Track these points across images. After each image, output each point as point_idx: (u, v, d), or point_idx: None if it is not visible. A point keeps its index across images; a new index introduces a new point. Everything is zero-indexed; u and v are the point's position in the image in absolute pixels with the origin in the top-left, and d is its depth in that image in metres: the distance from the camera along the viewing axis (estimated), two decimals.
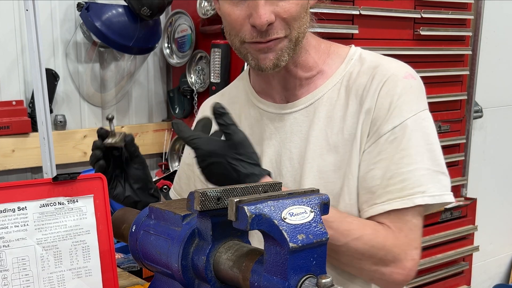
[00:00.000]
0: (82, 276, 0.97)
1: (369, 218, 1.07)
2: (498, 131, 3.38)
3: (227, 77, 2.21)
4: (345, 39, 2.17)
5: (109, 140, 1.11)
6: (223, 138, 0.97)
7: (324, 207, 0.72)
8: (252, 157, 0.97)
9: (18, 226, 0.94)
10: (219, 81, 2.21)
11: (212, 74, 2.25)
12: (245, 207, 0.66)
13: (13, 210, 0.94)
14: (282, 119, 1.18)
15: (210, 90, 2.24)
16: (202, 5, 2.33)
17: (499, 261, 3.62)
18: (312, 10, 1.13)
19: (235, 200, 0.67)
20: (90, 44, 2.38)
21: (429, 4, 2.50)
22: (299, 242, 0.66)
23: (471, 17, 2.71)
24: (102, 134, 1.11)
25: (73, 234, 0.97)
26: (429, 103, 1.14)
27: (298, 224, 0.68)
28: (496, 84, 3.27)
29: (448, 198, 1.07)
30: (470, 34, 2.73)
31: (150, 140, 2.58)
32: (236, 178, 0.95)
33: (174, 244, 0.81)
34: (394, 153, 1.06)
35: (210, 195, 0.74)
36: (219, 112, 0.95)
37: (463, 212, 2.88)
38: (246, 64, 2.00)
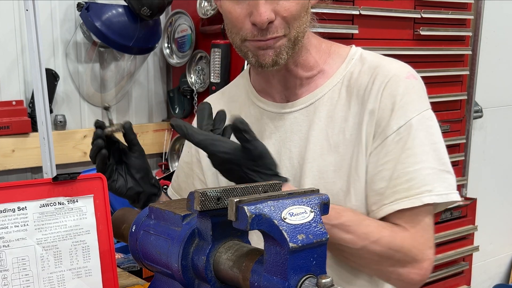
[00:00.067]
0: (82, 276, 0.97)
1: (382, 219, 1.08)
2: (498, 131, 3.38)
3: (227, 77, 2.21)
4: (345, 39, 2.17)
5: (109, 128, 1.12)
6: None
7: (324, 207, 0.72)
8: (270, 168, 0.96)
9: (18, 226, 0.94)
10: (219, 81, 2.21)
11: (212, 74, 2.25)
12: (245, 207, 0.66)
13: (13, 210, 0.94)
14: (282, 118, 1.18)
15: (210, 90, 2.24)
16: (202, 5, 2.32)
17: (499, 261, 3.62)
18: (312, 10, 1.13)
19: (235, 200, 0.67)
20: (90, 44, 2.38)
21: (429, 4, 2.50)
22: (299, 242, 0.66)
23: (471, 17, 2.70)
24: (101, 125, 1.12)
25: (73, 234, 0.97)
26: (429, 103, 1.14)
27: (298, 224, 0.68)
28: (496, 84, 3.27)
29: (455, 197, 1.07)
30: (470, 34, 2.73)
31: (150, 140, 2.58)
32: None
33: (174, 244, 0.81)
34: (400, 153, 1.06)
35: (210, 195, 0.74)
36: (240, 128, 0.92)
37: (463, 212, 2.88)
38: (246, 63, 2.01)
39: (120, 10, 2.27)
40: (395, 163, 1.06)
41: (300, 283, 0.67)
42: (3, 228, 0.93)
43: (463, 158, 2.85)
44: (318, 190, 0.75)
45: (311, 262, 0.68)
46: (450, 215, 2.81)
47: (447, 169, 1.09)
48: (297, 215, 0.68)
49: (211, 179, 1.26)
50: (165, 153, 2.58)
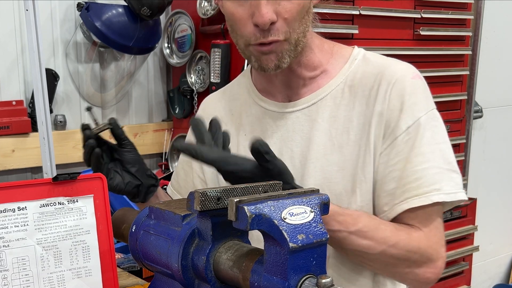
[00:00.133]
0: (82, 276, 0.97)
1: (394, 219, 1.08)
2: (498, 131, 3.38)
3: (227, 77, 2.21)
4: (345, 39, 2.17)
5: (96, 127, 1.17)
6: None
7: (324, 207, 0.72)
8: (288, 182, 0.93)
9: (18, 226, 0.94)
10: (219, 81, 2.21)
11: (212, 74, 2.25)
12: (245, 207, 0.66)
13: (13, 210, 0.94)
14: (284, 118, 1.18)
15: (210, 90, 2.23)
16: (202, 5, 2.32)
17: (499, 261, 3.62)
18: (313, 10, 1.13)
19: (235, 200, 0.67)
20: (90, 44, 2.38)
21: (429, 4, 2.50)
22: (299, 242, 0.66)
23: (471, 17, 2.70)
24: (88, 127, 1.16)
25: (73, 234, 0.98)
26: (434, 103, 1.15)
27: (298, 224, 0.68)
28: (496, 84, 3.27)
29: (462, 196, 1.08)
30: (470, 34, 2.73)
31: (150, 140, 2.58)
32: None
33: (174, 244, 0.81)
34: (409, 152, 1.07)
35: (210, 195, 0.74)
36: (261, 151, 0.89)
37: (463, 212, 2.88)
38: (246, 63, 2.01)
39: (120, 10, 2.27)
40: (405, 163, 1.07)
41: (300, 283, 0.67)
42: (3, 228, 0.93)
43: (463, 158, 2.86)
44: (318, 190, 0.75)
45: (311, 262, 0.68)
46: (450, 215, 2.81)
47: (453, 168, 1.09)
48: (297, 215, 0.68)
49: (211, 177, 1.27)
50: (165, 153, 2.58)
